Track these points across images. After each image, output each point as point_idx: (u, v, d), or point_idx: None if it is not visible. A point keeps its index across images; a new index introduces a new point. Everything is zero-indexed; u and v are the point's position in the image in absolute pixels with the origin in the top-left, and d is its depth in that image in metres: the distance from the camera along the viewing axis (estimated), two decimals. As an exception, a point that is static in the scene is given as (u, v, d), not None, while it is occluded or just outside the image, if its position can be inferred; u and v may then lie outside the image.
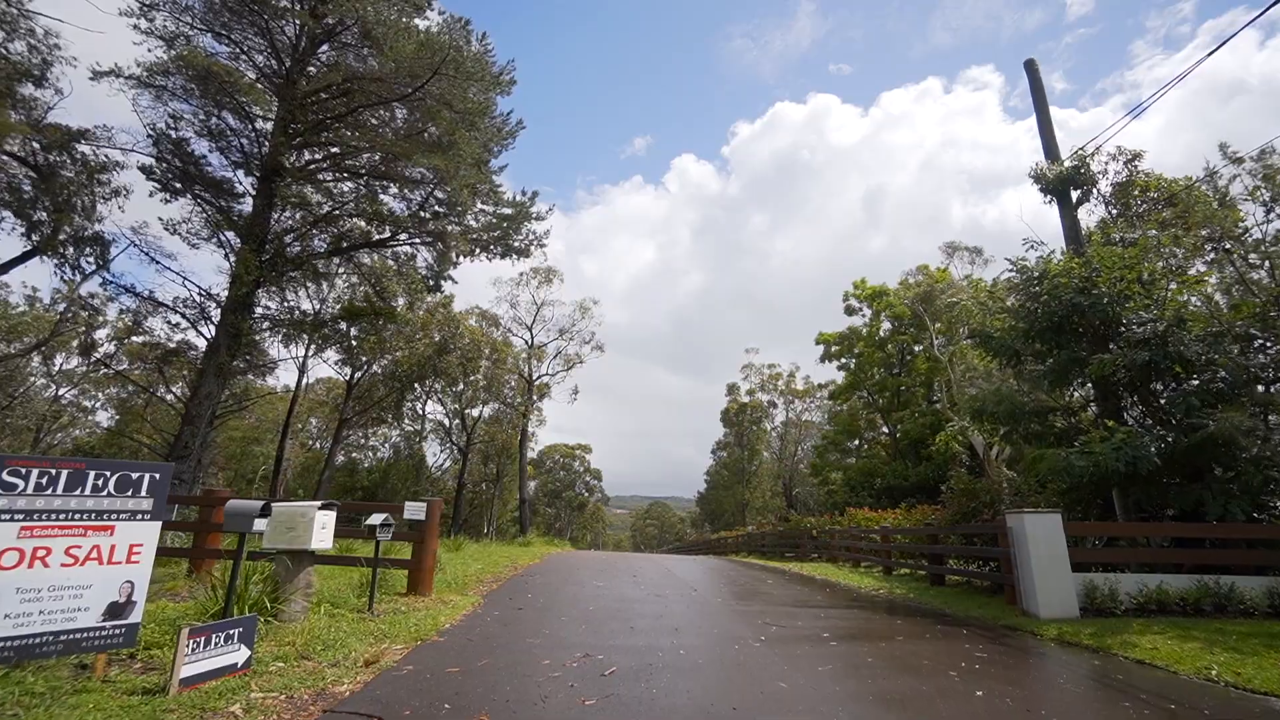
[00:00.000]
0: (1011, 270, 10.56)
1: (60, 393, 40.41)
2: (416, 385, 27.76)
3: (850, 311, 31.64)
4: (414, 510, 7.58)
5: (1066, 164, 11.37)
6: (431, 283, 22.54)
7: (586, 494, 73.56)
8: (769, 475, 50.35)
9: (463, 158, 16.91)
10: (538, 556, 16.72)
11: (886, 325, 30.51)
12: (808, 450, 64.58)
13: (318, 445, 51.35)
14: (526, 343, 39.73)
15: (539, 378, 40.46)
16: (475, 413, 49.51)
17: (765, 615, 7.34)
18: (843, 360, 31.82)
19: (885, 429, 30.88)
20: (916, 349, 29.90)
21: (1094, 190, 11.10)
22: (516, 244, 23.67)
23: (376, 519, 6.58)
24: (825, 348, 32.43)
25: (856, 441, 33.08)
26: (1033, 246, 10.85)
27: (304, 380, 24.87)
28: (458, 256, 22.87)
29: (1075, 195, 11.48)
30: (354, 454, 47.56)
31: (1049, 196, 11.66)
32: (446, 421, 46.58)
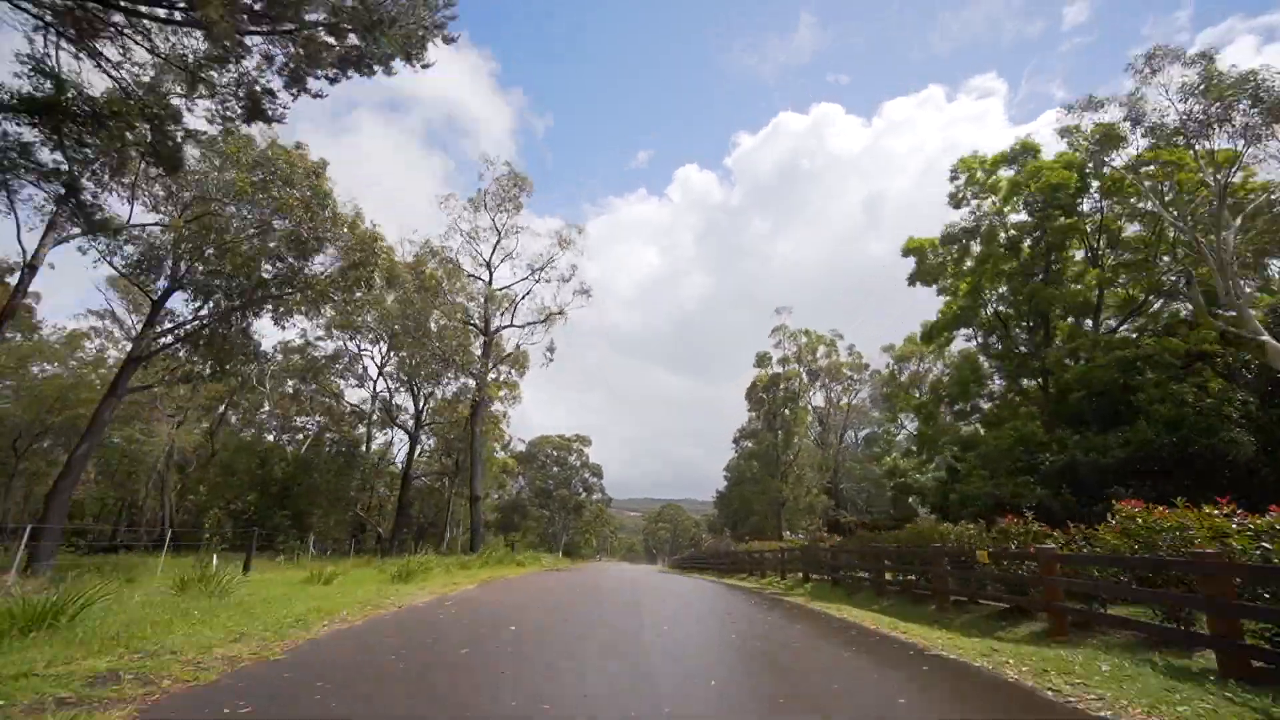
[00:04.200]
0: None
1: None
2: (263, 308, 17.07)
3: (959, 203, 20.48)
4: None
5: None
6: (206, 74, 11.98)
7: (584, 492, 62.59)
8: (811, 467, 39.13)
9: None
10: (439, 590, 6.15)
11: (1017, 217, 19.38)
12: (851, 440, 53.29)
13: (264, 431, 40.86)
14: (484, 282, 29.08)
15: (500, 329, 29.80)
16: (439, 392, 39.05)
17: None
18: (947, 279, 20.69)
19: (1025, 381, 19.52)
20: (1076, 256, 18.71)
21: None
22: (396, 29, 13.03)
23: None
24: (916, 262, 21.29)
25: (961, 406, 21.71)
26: None
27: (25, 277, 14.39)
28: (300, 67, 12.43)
29: None
30: (282, 436, 37.17)
31: None
32: (388, 394, 36.04)
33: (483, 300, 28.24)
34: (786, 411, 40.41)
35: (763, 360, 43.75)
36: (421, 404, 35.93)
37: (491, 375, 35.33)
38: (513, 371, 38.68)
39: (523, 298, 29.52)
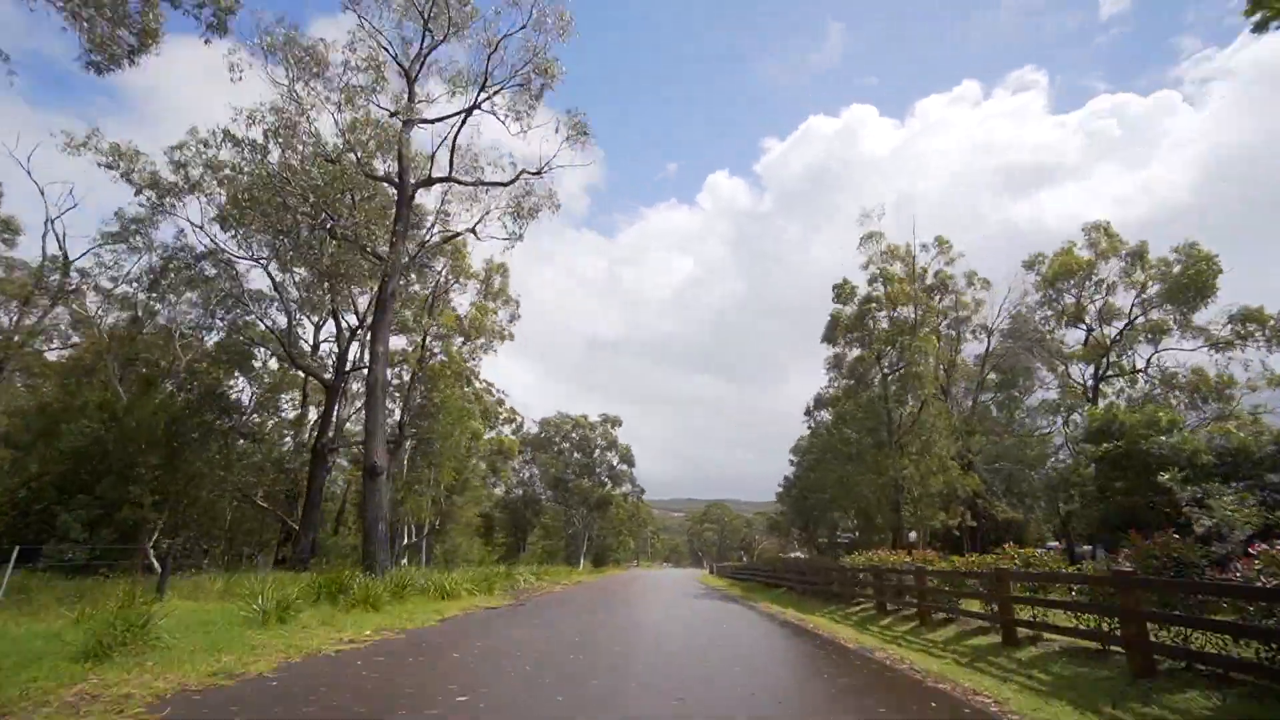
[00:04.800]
0: None
1: None
2: None
3: None
4: None
5: None
6: None
7: (609, 483, 49.73)
8: (941, 432, 25.24)
9: None
10: None
11: None
12: (964, 405, 38.95)
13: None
14: (401, 97, 16.88)
15: (429, 182, 17.58)
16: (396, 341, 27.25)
17: None
18: None
19: None
20: None
21: None
22: None
23: None
24: None
25: None
26: None
27: None
28: None
29: None
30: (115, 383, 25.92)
31: None
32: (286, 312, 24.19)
33: (400, 125, 16.05)
34: (893, 350, 26.89)
35: (845, 294, 30.36)
36: (349, 337, 24.20)
37: (465, 306, 23.47)
38: (489, 293, 26.69)
39: (463, 122, 17.10)
